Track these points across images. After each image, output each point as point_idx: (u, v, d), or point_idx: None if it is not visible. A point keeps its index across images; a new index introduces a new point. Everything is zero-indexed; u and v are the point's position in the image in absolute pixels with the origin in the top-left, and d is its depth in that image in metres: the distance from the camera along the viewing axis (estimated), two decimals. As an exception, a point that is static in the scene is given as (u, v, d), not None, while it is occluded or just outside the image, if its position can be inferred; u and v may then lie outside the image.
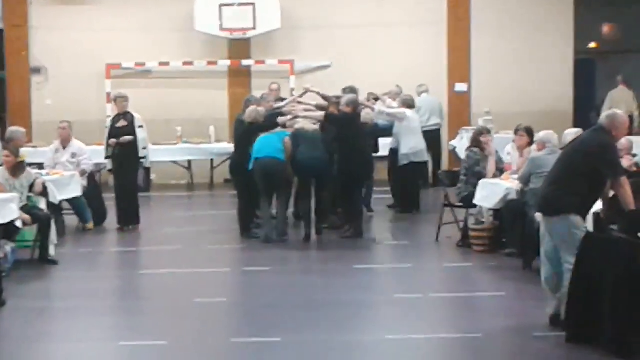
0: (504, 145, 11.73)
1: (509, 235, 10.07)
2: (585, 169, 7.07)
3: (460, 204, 10.99)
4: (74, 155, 12.43)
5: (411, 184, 13.54)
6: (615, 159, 7.19)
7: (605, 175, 7.07)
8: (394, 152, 13.59)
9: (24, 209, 9.93)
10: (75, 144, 12.62)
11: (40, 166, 12.66)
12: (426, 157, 13.50)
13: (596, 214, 7.56)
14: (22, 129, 11.80)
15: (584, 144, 7.28)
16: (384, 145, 13.66)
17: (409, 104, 13.68)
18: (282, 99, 14.18)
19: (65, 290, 9.24)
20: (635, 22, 19.97)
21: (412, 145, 13.27)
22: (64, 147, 12.52)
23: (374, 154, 12.66)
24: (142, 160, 12.70)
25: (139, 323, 7.97)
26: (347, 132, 11.43)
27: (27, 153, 11.76)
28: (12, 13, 17.87)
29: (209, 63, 17.64)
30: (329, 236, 11.60)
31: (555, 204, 7.17)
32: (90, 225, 12.36)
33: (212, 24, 17.21)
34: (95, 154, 15.32)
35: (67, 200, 11.93)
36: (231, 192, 15.83)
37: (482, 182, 10.54)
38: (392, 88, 14.68)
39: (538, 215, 7.68)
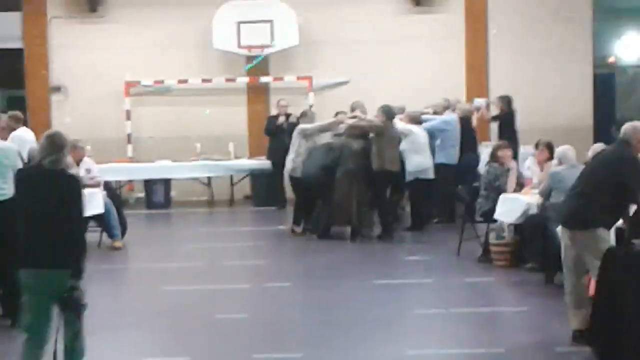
0: (524, 160, 11.70)
1: (530, 250, 10.02)
2: (610, 182, 7.02)
3: (481, 219, 10.97)
4: (88, 171, 12.46)
5: (418, 203, 13.41)
6: None
7: (631, 189, 7.01)
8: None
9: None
10: (87, 161, 12.64)
11: None
12: (432, 174, 13.33)
13: (618, 229, 7.51)
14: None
15: (609, 157, 7.25)
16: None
17: (416, 120, 13.62)
18: (288, 115, 14.23)
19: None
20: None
21: (418, 163, 13.10)
22: (78, 164, 12.52)
23: None
24: None
25: (161, 339, 7.98)
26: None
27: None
28: (31, 32, 18.01)
29: (228, 80, 17.68)
30: (351, 251, 11.60)
31: (581, 218, 7.13)
32: (118, 243, 12.20)
33: (230, 41, 17.26)
34: (113, 172, 15.53)
35: (93, 217, 11.79)
36: (251, 208, 15.95)
37: (502, 196, 10.52)
38: (439, 101, 14.58)
39: (559, 230, 7.62)
